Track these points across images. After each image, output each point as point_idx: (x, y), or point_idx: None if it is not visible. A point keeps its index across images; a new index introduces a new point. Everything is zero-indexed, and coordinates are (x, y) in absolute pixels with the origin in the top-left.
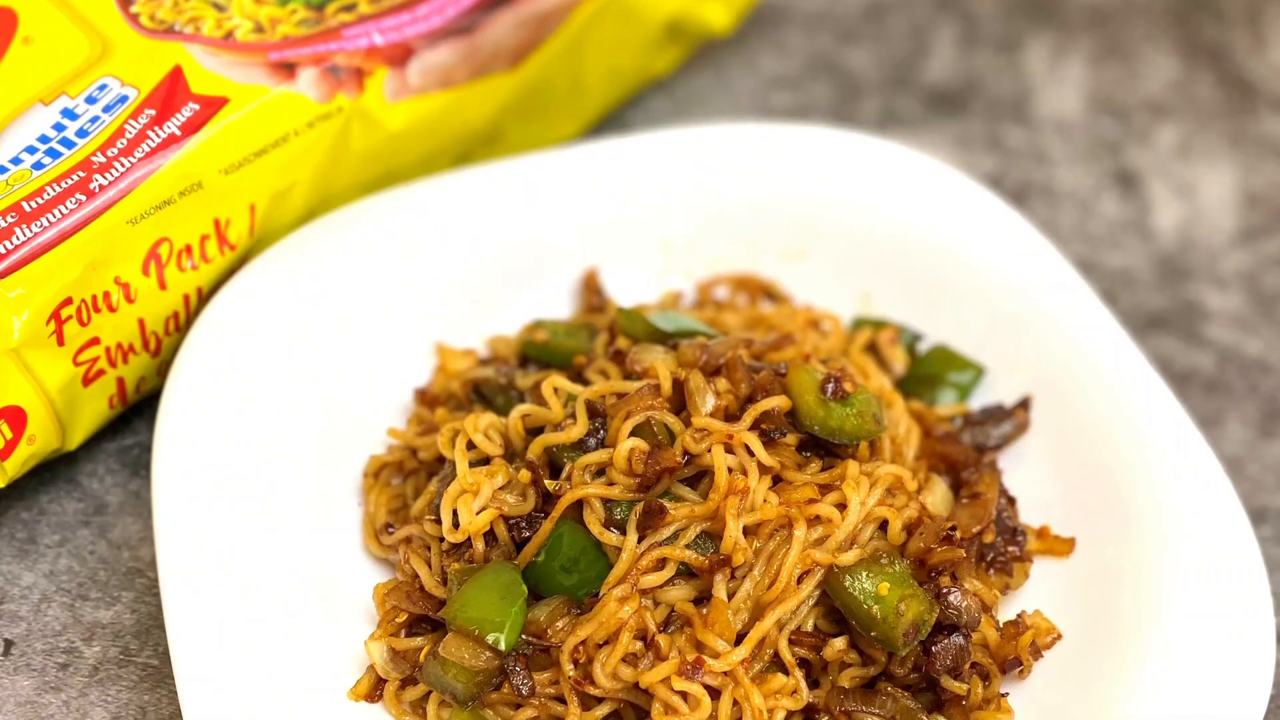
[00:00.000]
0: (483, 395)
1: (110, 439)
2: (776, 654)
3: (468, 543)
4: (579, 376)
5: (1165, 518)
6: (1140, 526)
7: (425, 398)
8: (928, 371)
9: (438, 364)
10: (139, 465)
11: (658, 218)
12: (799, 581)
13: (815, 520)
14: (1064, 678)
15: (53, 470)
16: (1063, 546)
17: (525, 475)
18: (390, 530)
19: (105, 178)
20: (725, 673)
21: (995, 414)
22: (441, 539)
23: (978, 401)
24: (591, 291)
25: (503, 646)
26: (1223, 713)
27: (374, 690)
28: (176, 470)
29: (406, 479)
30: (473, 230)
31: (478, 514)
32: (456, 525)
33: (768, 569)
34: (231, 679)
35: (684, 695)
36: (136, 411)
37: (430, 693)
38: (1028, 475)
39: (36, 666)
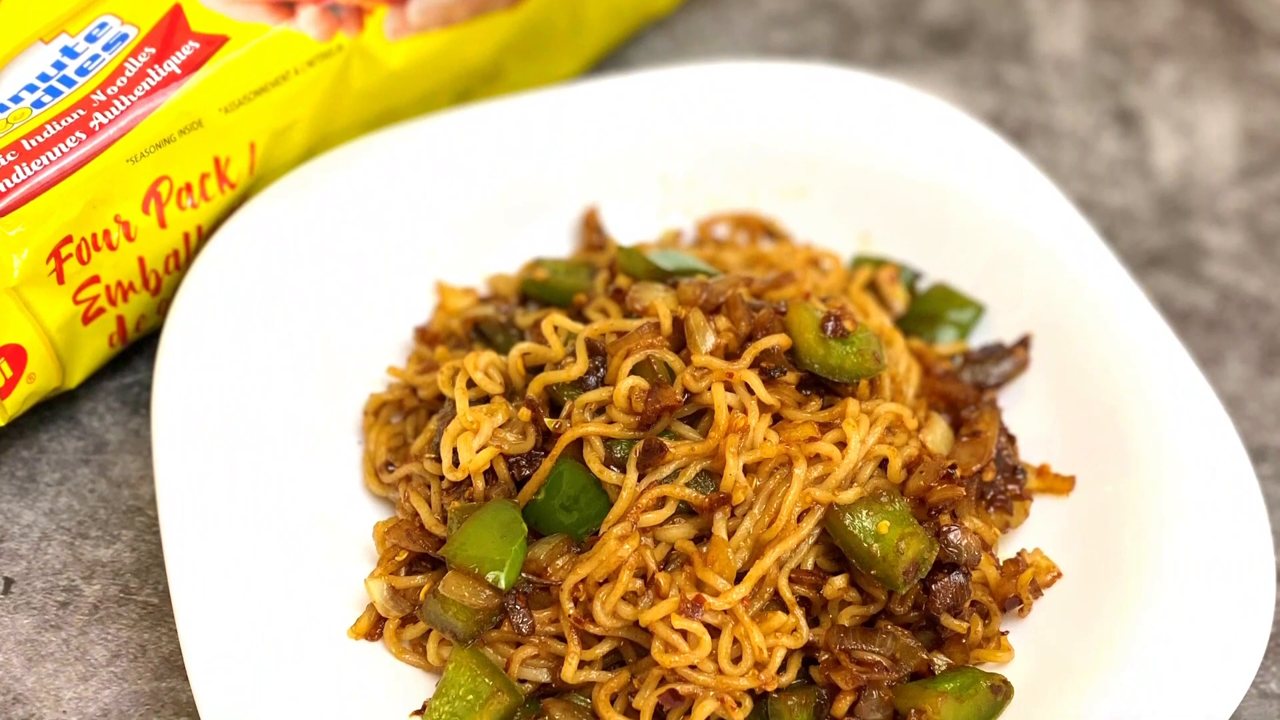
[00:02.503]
0: (483, 333)
1: (110, 378)
2: (776, 592)
3: (468, 481)
4: (579, 315)
5: (1165, 456)
6: (1140, 464)
7: (425, 336)
8: (928, 310)
9: (438, 302)
10: (139, 404)
11: (658, 155)
12: (799, 520)
13: (815, 459)
14: (1064, 616)
15: (52, 409)
16: (1063, 485)
17: (525, 414)
18: (390, 469)
19: (105, 116)
20: (725, 611)
21: (995, 352)
22: (441, 477)
23: (978, 340)
24: (591, 229)
25: (503, 585)
26: (1223, 650)
27: (374, 628)
28: (176, 409)
29: (406, 417)
30: (472, 168)
31: (478, 452)
32: (456, 464)
33: (768, 507)
34: (231, 617)
35: (684, 633)
36: (136, 350)
37: (430, 631)
38: (1027, 413)
39: (36, 605)
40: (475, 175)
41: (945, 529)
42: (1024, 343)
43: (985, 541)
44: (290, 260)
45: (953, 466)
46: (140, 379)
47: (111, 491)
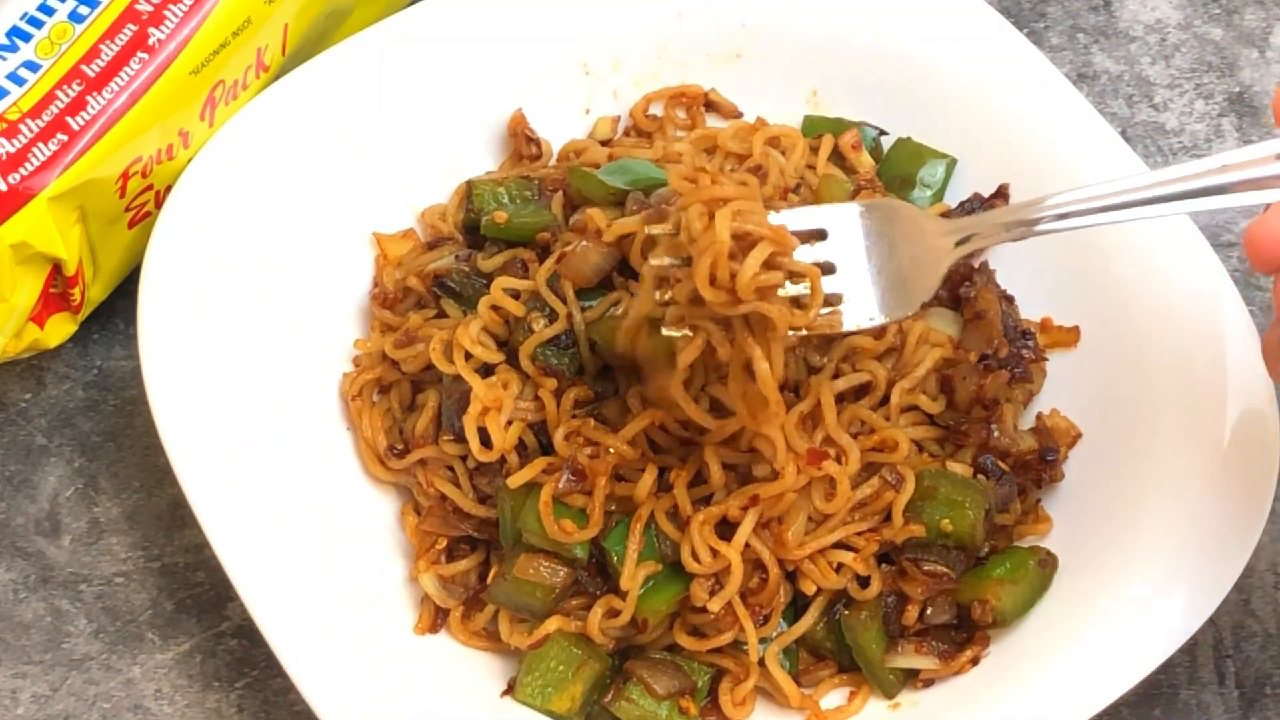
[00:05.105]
0: (447, 287)
1: None
2: None
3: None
4: (545, 252)
5: (1158, 294)
6: (1133, 306)
7: (385, 300)
8: (897, 172)
9: (376, 255)
10: None
11: (573, 41)
12: None
13: None
14: (1087, 474)
15: None
16: (1068, 336)
17: (550, 382)
18: (395, 453)
19: (161, 31)
20: None
21: (974, 207)
22: (464, 457)
23: (949, 195)
24: (520, 137)
25: (580, 554)
26: (1241, 486)
27: (435, 621)
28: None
29: (387, 392)
30: (382, 97)
31: (505, 429)
32: (485, 444)
33: None
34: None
35: None
36: None
37: (497, 612)
38: (1011, 266)
39: None
40: (383, 101)
41: (989, 453)
42: (1001, 193)
43: (1017, 427)
44: (216, 254)
45: (984, 356)
46: None
47: None
